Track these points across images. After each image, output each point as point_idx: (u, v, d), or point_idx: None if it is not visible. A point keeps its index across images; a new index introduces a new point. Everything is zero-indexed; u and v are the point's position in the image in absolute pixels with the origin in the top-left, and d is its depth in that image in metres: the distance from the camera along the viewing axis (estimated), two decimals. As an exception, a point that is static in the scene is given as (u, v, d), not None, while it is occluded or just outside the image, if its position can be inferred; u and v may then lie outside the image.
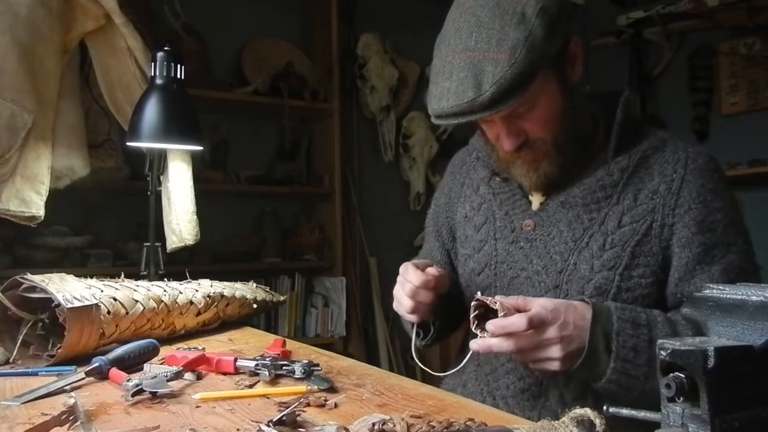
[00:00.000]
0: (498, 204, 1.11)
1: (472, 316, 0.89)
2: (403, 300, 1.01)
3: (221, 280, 1.36)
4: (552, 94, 0.97)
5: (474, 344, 0.88)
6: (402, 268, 1.02)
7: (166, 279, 1.35)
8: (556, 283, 1.00)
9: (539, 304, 0.87)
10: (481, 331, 0.88)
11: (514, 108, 0.94)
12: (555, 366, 0.88)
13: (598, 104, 1.12)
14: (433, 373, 1.10)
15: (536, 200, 1.07)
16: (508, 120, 0.98)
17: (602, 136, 1.07)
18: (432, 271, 0.99)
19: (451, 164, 1.28)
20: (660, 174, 0.99)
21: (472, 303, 0.89)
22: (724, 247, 0.96)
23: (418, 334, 1.10)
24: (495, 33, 0.90)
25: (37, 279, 0.97)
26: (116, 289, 1.07)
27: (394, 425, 0.65)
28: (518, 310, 0.87)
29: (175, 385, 0.84)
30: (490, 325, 0.86)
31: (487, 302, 0.88)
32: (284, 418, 0.66)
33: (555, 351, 0.86)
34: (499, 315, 0.86)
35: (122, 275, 1.18)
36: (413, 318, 1.02)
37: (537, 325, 0.85)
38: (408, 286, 0.99)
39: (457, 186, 1.22)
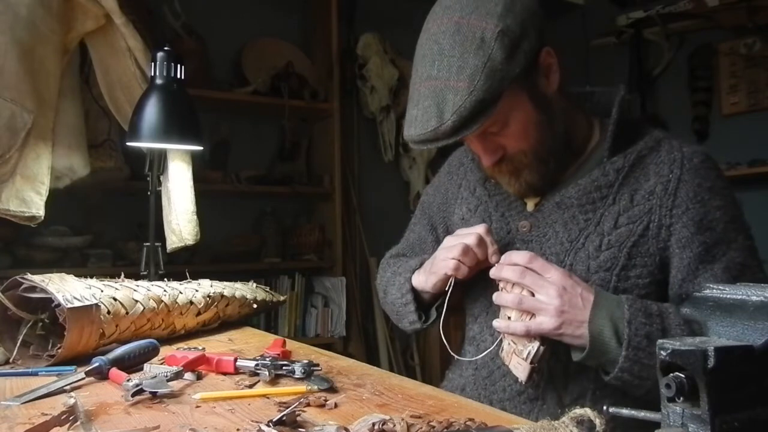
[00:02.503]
0: (494, 206, 1.12)
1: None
2: (450, 262, 1.00)
3: (221, 280, 1.36)
4: (524, 110, 0.97)
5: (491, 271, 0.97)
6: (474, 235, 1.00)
7: (166, 279, 1.35)
8: None
9: (556, 269, 0.92)
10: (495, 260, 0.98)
11: (486, 127, 0.96)
12: (549, 316, 0.89)
13: (593, 103, 1.12)
14: (453, 355, 1.10)
15: (531, 201, 1.08)
16: (483, 138, 1.00)
17: (598, 136, 1.07)
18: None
19: (449, 163, 1.28)
20: (656, 174, 0.99)
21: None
22: (725, 244, 0.96)
23: (420, 317, 1.11)
24: (455, 61, 0.91)
25: (37, 279, 0.97)
26: (116, 289, 1.07)
27: (394, 425, 0.65)
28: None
29: (175, 385, 0.84)
30: (496, 255, 0.98)
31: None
32: (284, 418, 0.66)
33: (552, 294, 0.89)
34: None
35: (122, 275, 1.18)
36: (454, 264, 1.01)
37: (539, 269, 0.91)
38: (459, 248, 0.99)
39: (454, 187, 1.23)
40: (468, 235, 1.00)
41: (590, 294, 0.91)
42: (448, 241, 1.03)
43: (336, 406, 0.76)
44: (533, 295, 0.91)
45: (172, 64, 1.50)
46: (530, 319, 0.91)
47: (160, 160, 1.66)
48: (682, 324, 0.89)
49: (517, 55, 0.92)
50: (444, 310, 1.06)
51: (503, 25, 0.91)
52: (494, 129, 0.97)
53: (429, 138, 0.94)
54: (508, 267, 0.94)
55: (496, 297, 0.95)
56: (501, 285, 0.96)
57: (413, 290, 1.10)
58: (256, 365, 0.89)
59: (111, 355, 0.90)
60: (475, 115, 0.91)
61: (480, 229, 1.00)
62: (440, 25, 0.94)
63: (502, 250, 1.07)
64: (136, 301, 1.08)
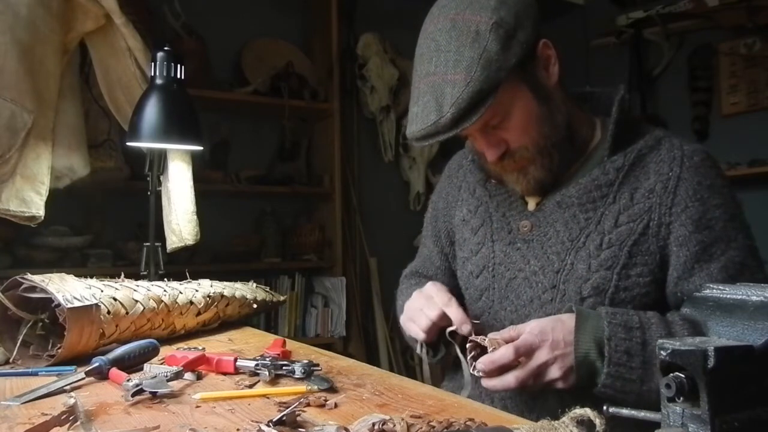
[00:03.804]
0: (495, 206, 1.12)
1: (469, 357, 0.92)
2: (422, 322, 1.01)
3: (221, 280, 1.36)
4: (525, 101, 0.98)
5: (483, 382, 0.91)
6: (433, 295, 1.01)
7: (166, 279, 1.35)
8: (554, 284, 1.00)
9: (527, 331, 0.89)
10: (477, 371, 0.90)
11: (488, 120, 0.97)
12: (559, 385, 0.90)
13: (594, 103, 1.12)
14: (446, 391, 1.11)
15: (532, 201, 1.08)
16: (485, 132, 1.00)
17: (598, 135, 1.07)
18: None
19: (448, 167, 1.29)
20: (656, 172, 0.99)
21: (467, 345, 0.93)
22: (724, 243, 0.96)
23: (428, 352, 1.10)
24: (452, 55, 0.92)
25: (37, 279, 0.97)
26: (116, 289, 1.07)
27: (394, 425, 0.65)
28: (512, 341, 0.90)
29: (175, 385, 0.84)
30: (480, 363, 0.89)
31: (478, 341, 0.91)
32: (284, 418, 0.66)
33: (554, 372, 0.88)
34: (489, 351, 0.89)
35: (122, 275, 1.18)
36: (422, 336, 1.03)
37: (525, 352, 0.88)
38: (435, 312, 0.99)
39: (454, 189, 1.23)
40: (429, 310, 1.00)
41: (570, 334, 0.89)
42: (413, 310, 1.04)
43: (336, 406, 0.76)
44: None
45: (172, 64, 1.50)
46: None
47: (160, 160, 1.66)
48: (664, 335, 0.89)
49: (513, 46, 0.93)
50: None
51: (497, 17, 0.92)
52: (495, 122, 0.98)
53: (430, 132, 0.94)
54: (497, 381, 0.90)
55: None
56: (490, 348, 0.91)
57: None
58: (256, 365, 0.89)
59: (111, 355, 0.90)
60: (474, 106, 0.91)
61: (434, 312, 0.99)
62: (437, 23, 0.96)
63: (504, 250, 1.07)
64: (136, 301, 1.08)
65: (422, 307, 1.02)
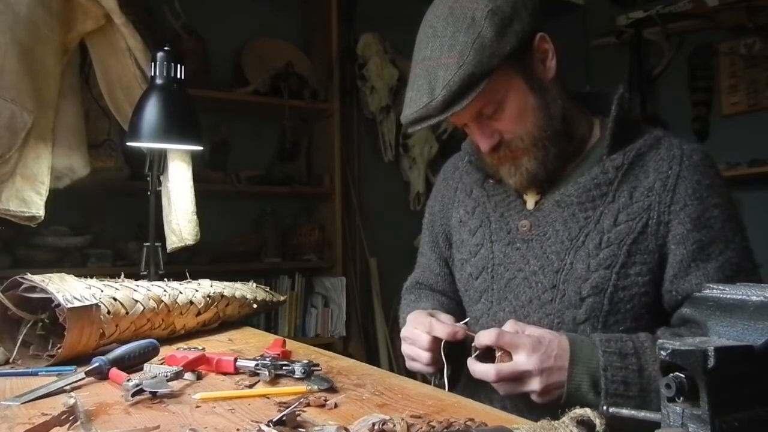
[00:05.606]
0: (493, 206, 1.11)
1: (474, 355, 0.93)
2: (421, 355, 1.01)
3: (221, 280, 1.36)
4: (519, 92, 0.98)
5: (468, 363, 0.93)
6: (419, 323, 1.01)
7: (166, 279, 1.35)
8: (554, 283, 1.00)
9: (526, 333, 0.90)
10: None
11: (481, 109, 0.97)
12: (535, 399, 0.89)
13: (593, 102, 1.12)
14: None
15: (531, 200, 1.07)
16: (479, 122, 1.00)
17: (596, 135, 1.07)
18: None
19: (443, 170, 1.28)
20: (655, 171, 0.99)
21: (472, 345, 0.93)
22: (722, 243, 0.96)
23: (439, 375, 1.09)
24: (447, 40, 0.93)
25: (37, 279, 0.97)
26: (116, 289, 1.07)
27: (394, 425, 0.65)
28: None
29: (175, 385, 0.84)
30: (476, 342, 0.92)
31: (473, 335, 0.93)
32: (284, 418, 0.66)
33: (534, 383, 0.88)
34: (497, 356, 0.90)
35: (122, 275, 1.18)
36: (431, 369, 1.02)
37: (508, 342, 0.88)
38: (425, 339, 0.99)
39: (450, 192, 1.22)
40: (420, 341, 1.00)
41: (563, 352, 0.89)
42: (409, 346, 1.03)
43: (336, 406, 0.76)
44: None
45: (172, 64, 1.50)
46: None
47: (160, 160, 1.66)
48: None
49: (508, 34, 0.93)
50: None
51: (493, 5, 0.93)
52: (489, 111, 0.98)
53: (422, 115, 0.95)
54: (478, 366, 0.91)
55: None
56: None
57: None
58: (256, 365, 0.89)
59: (111, 355, 0.90)
60: (465, 90, 0.92)
61: (425, 339, 0.99)
62: (435, 11, 0.98)
63: (503, 250, 1.07)
64: (136, 301, 1.08)
65: (414, 342, 1.01)
